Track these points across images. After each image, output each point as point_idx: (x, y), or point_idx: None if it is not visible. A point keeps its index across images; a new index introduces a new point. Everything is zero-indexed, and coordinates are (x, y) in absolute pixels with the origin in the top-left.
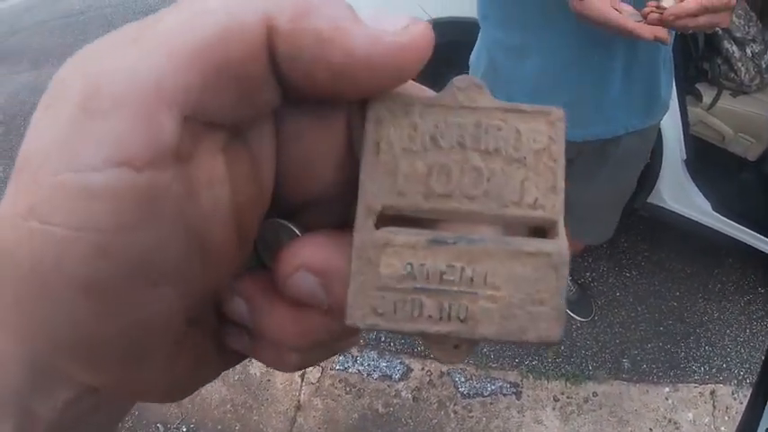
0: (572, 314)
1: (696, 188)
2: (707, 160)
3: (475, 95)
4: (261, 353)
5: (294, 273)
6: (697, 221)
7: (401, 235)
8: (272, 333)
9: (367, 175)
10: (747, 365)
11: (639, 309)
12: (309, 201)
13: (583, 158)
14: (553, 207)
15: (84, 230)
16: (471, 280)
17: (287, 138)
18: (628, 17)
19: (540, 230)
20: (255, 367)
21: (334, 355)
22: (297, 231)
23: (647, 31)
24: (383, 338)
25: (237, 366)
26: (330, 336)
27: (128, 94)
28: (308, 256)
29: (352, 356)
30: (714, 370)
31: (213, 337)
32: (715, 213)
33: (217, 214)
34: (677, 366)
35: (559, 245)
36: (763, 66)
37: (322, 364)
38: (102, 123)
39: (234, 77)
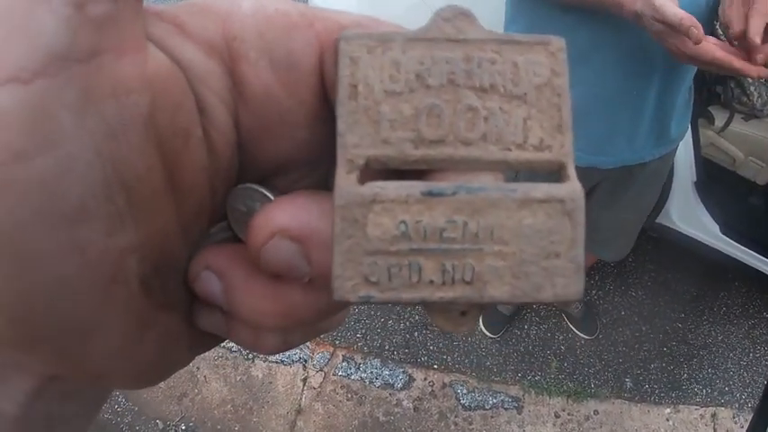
0: (576, 331)
1: (705, 210)
2: (717, 183)
3: (463, 26)
4: (236, 334)
5: (269, 240)
6: (705, 243)
7: (390, 188)
8: (249, 313)
9: (345, 124)
10: (749, 390)
11: (644, 328)
12: (282, 163)
13: (608, 182)
14: (561, 147)
15: None
16: (476, 235)
17: (246, 88)
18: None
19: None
20: (258, 369)
21: (318, 335)
22: (270, 196)
23: (754, 70)
24: (387, 347)
25: (240, 367)
26: (314, 314)
27: None
28: (284, 219)
29: (355, 363)
30: (716, 393)
31: (184, 319)
32: (723, 236)
33: (133, 136)
34: (679, 388)
35: (572, 188)
36: None
37: (325, 369)
38: None
39: None
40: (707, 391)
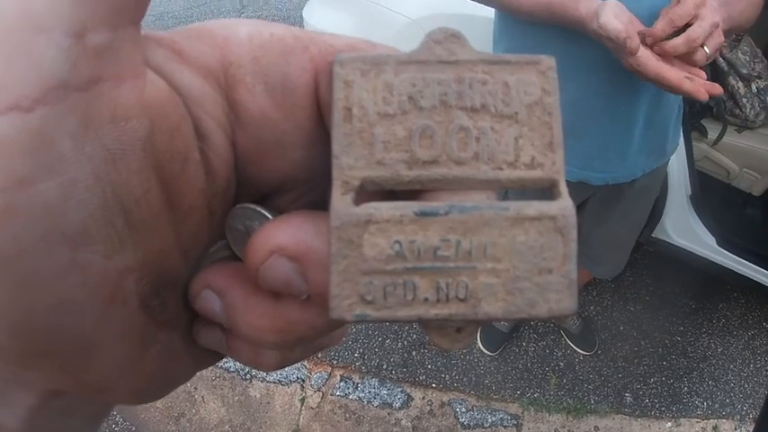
0: (575, 347)
1: (701, 223)
2: (712, 195)
3: (454, 48)
4: (236, 351)
5: (267, 259)
6: (702, 256)
7: (384, 209)
8: (248, 330)
9: (340, 146)
10: (751, 401)
11: (643, 343)
12: (279, 183)
13: (598, 197)
14: (553, 165)
15: None
16: (469, 253)
17: (243, 112)
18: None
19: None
20: (255, 389)
21: (317, 352)
22: (268, 216)
23: (703, 92)
24: (385, 366)
25: (237, 387)
26: (313, 331)
27: None
28: (281, 239)
29: (353, 383)
30: (717, 405)
31: (185, 335)
32: (720, 248)
33: (132, 160)
34: (680, 401)
35: (564, 205)
36: None
37: (322, 388)
38: None
39: None
40: (708, 403)
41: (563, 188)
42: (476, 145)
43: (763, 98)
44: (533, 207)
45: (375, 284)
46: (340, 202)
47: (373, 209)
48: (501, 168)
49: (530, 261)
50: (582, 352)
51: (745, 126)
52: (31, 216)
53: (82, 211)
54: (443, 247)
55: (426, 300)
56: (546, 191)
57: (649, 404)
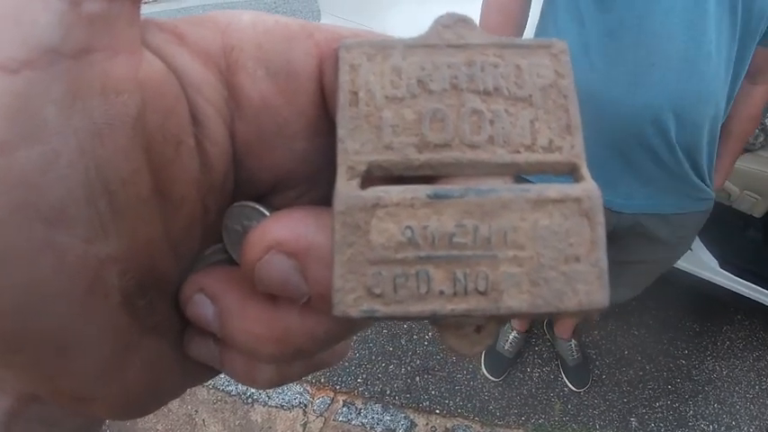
0: (567, 381)
1: (703, 246)
2: (713, 218)
3: (463, 32)
4: (229, 364)
5: (264, 255)
6: (705, 279)
7: (394, 192)
8: (243, 339)
9: (345, 130)
10: (757, 422)
11: (648, 367)
12: (280, 179)
13: (625, 227)
14: (572, 148)
15: None
16: (488, 240)
17: (243, 98)
18: None
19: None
20: (257, 413)
21: (316, 370)
22: (267, 213)
23: None
24: (388, 392)
25: (239, 411)
26: (313, 342)
27: None
28: (279, 233)
29: (356, 408)
30: (723, 428)
31: (174, 345)
32: (722, 270)
33: (120, 137)
34: (686, 425)
35: (588, 187)
36: (767, 124)
37: (325, 414)
38: None
39: None
40: (714, 426)
41: (585, 172)
42: (490, 128)
43: (761, 121)
44: (555, 189)
45: (384, 275)
46: (345, 186)
47: (382, 192)
48: (518, 152)
49: (555, 248)
50: (573, 388)
51: (744, 149)
52: (8, 185)
53: (61, 187)
54: (459, 234)
55: (442, 293)
56: (567, 176)
57: (655, 429)
